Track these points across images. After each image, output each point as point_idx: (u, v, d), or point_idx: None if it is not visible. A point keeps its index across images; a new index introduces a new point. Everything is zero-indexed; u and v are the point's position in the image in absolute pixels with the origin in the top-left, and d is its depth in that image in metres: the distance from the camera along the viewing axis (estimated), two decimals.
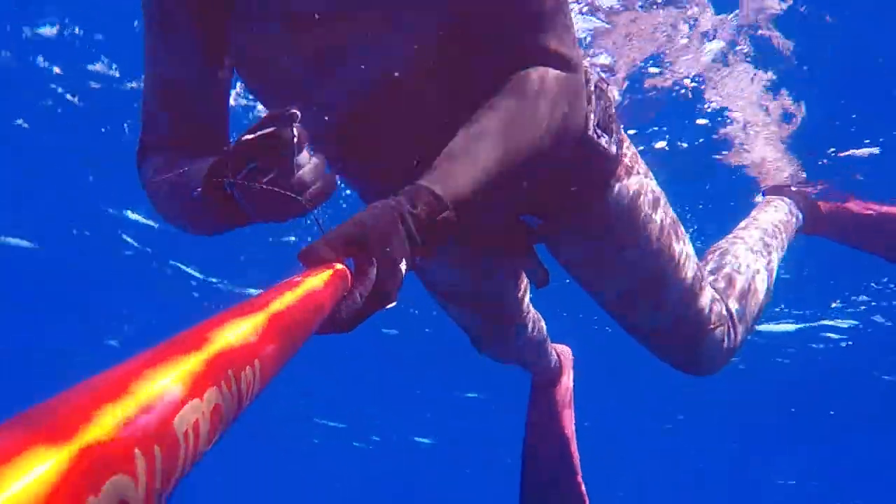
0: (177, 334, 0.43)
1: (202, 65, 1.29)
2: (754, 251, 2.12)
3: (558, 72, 1.16)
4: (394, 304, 0.90)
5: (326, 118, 1.31)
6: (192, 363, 0.40)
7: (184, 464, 0.36)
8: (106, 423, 0.30)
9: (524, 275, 2.02)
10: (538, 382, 2.53)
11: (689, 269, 1.74)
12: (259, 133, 0.92)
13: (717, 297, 1.86)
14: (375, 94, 1.25)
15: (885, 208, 3.01)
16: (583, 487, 2.39)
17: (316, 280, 0.75)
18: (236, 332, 0.48)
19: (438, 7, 1.16)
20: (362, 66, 1.22)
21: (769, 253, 2.16)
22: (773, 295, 2.08)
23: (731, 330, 1.85)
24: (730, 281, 1.96)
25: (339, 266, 0.82)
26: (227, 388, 0.43)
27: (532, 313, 2.20)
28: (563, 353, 2.60)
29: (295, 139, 0.91)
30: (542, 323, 2.33)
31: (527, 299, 2.12)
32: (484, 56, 1.18)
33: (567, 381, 2.55)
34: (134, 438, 0.31)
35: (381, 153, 1.37)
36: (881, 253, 3.06)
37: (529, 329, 2.19)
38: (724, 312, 1.84)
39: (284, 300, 0.61)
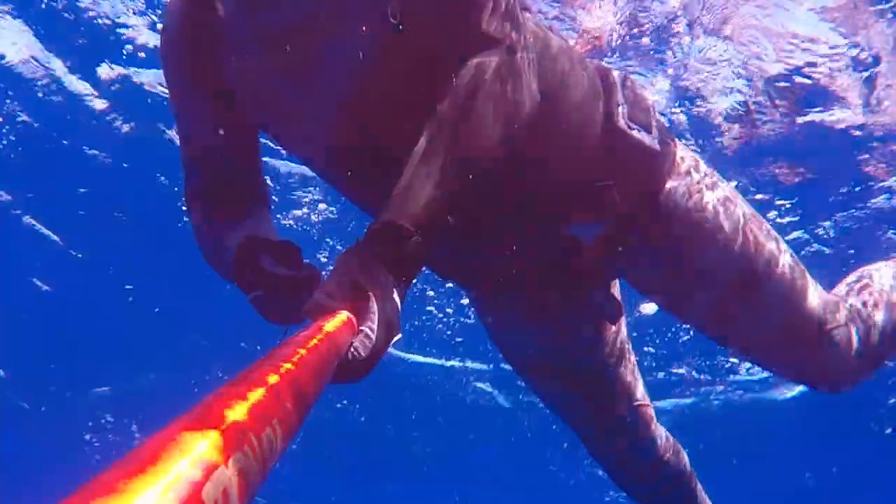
0: (193, 407, 0.44)
1: (218, 125, 1.41)
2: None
3: (492, 58, 1.14)
4: (400, 335, 0.94)
5: (320, 134, 1.35)
6: (214, 434, 0.41)
7: None
8: (137, 500, 0.31)
9: (625, 358, 1.76)
10: None
11: (785, 264, 1.58)
12: (291, 276, 1.19)
13: (835, 297, 1.70)
14: (352, 102, 1.27)
15: None
16: None
17: (327, 327, 0.76)
18: (252, 396, 0.48)
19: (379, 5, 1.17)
20: (333, 75, 1.25)
21: None
22: None
23: (859, 330, 1.65)
24: (862, 285, 1.76)
25: (343, 313, 0.84)
26: (251, 451, 0.44)
27: (655, 429, 1.83)
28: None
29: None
30: (683, 457, 1.90)
31: (639, 388, 1.80)
32: (428, 50, 1.18)
33: None
34: None
35: (371, 165, 1.38)
36: None
37: (654, 450, 1.81)
38: (847, 311, 1.66)
39: (297, 354, 0.62)
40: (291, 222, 5.80)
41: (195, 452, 0.38)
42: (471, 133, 1.09)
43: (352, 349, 0.84)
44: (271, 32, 1.24)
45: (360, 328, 0.87)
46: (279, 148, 1.62)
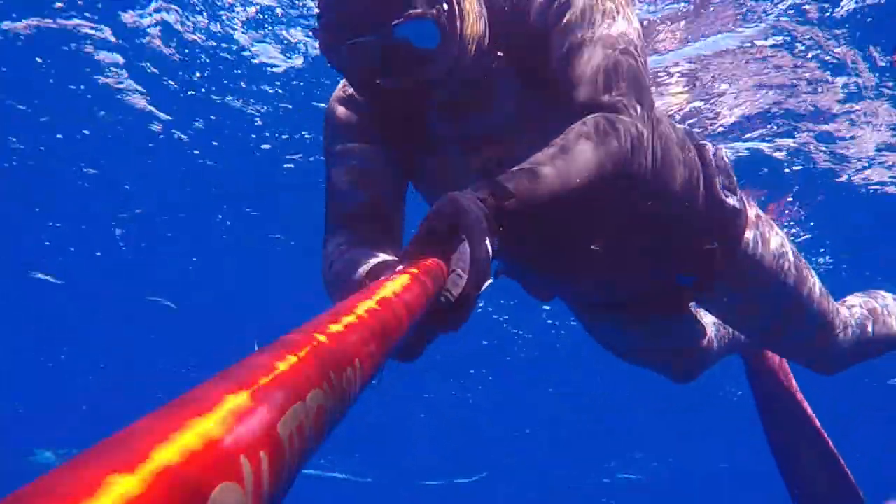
0: (276, 339, 0.44)
1: (390, 183, 1.45)
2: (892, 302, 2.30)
3: (623, 117, 1.25)
4: (491, 280, 0.94)
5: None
6: (291, 367, 0.40)
7: (290, 467, 0.37)
8: (210, 431, 0.31)
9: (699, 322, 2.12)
10: (744, 356, 2.60)
11: (818, 290, 1.96)
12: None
13: (842, 309, 2.08)
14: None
15: None
16: (829, 442, 2.53)
17: (412, 273, 0.75)
18: (335, 333, 0.48)
19: (553, 110, 1.34)
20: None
21: None
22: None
23: (857, 337, 2.08)
24: (870, 308, 2.18)
25: (431, 260, 0.83)
26: (330, 389, 0.44)
27: (711, 334, 2.23)
28: None
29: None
30: (721, 328, 2.34)
31: (710, 331, 2.19)
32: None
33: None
34: (239, 446, 0.32)
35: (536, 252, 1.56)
36: None
37: (715, 346, 2.25)
38: (847, 319, 2.07)
39: (381, 297, 0.62)
40: None
41: (274, 383, 0.38)
42: (598, 157, 1.17)
43: (444, 292, 0.84)
44: (475, 135, 1.41)
45: (453, 269, 0.87)
46: None
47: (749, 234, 1.78)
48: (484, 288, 0.94)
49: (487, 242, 0.96)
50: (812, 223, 5.52)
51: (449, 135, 1.45)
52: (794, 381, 2.61)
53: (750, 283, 1.83)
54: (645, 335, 2.03)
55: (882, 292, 2.32)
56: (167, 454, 0.28)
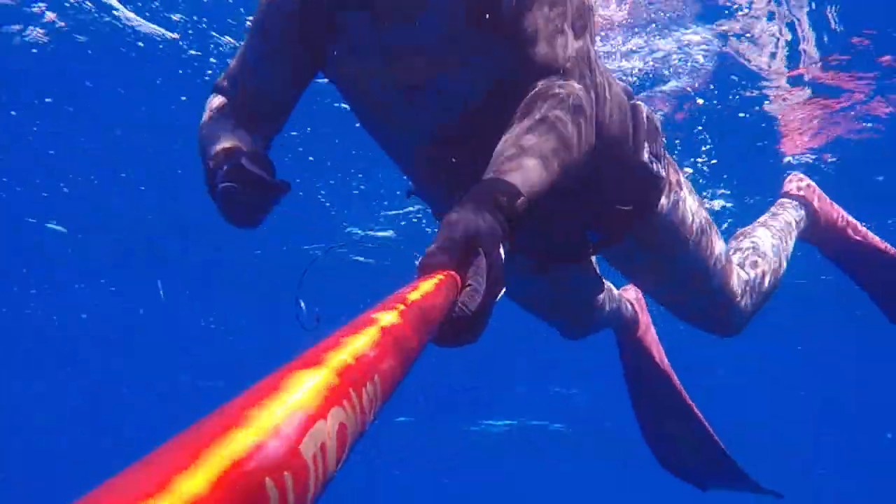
0: (294, 358, 0.43)
1: (288, 79, 1.54)
2: (773, 237, 2.38)
3: (574, 87, 1.30)
4: (504, 289, 0.94)
5: (412, 140, 1.52)
6: (313, 385, 0.40)
7: (315, 487, 0.36)
8: (235, 453, 0.31)
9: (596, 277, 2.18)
10: (620, 332, 2.65)
11: (724, 257, 2.01)
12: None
13: (741, 273, 2.13)
14: (451, 121, 1.45)
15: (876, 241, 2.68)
16: (695, 409, 2.57)
17: (428, 285, 0.74)
18: (353, 349, 0.48)
19: (493, 48, 1.37)
20: (441, 97, 1.42)
21: (785, 242, 2.41)
22: (781, 281, 2.35)
23: (750, 298, 2.14)
24: (752, 262, 2.24)
25: (447, 272, 0.82)
26: (350, 407, 0.43)
27: (604, 294, 2.31)
28: (630, 295, 2.68)
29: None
30: (614, 290, 2.45)
31: (601, 296, 2.26)
32: (521, 85, 1.34)
33: (644, 317, 2.66)
34: (263, 468, 0.32)
35: (459, 174, 1.54)
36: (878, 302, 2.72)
37: (607, 308, 2.34)
38: (745, 285, 2.12)
39: (399, 310, 0.61)
40: None
41: (294, 402, 0.37)
42: (570, 137, 1.22)
43: (459, 304, 0.84)
44: (394, 46, 1.40)
45: (469, 282, 0.86)
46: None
47: (665, 200, 1.78)
48: (499, 297, 0.93)
49: (501, 250, 0.95)
50: None
51: (368, 38, 1.42)
52: (665, 360, 2.65)
53: (657, 246, 1.85)
54: (547, 286, 2.03)
55: (756, 235, 2.36)
56: (194, 483, 0.27)
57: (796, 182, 2.65)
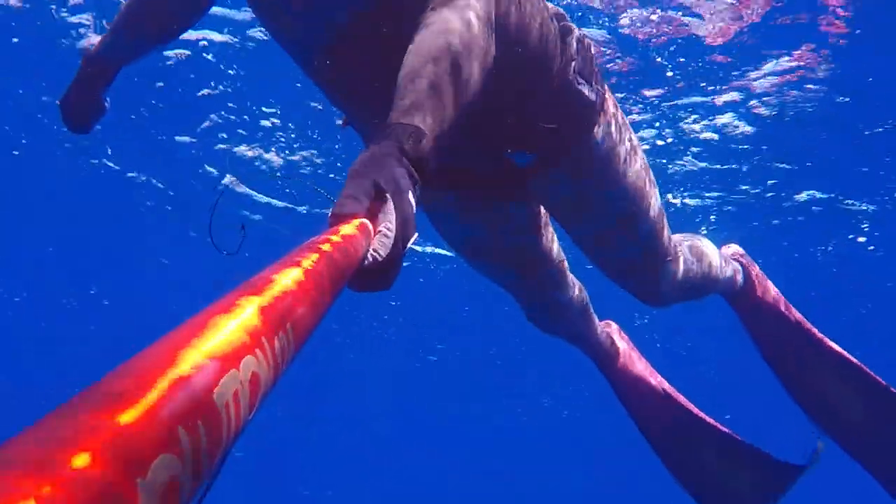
0: (212, 302, 0.43)
1: None
2: (716, 255, 2.39)
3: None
4: (416, 235, 0.94)
5: (308, 40, 1.50)
6: (223, 335, 0.40)
7: (228, 435, 0.37)
8: (148, 404, 0.31)
9: (546, 226, 2.12)
10: (602, 363, 2.59)
11: (657, 207, 1.98)
12: None
13: (675, 239, 2.11)
14: (332, 36, 1.44)
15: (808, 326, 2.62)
16: (720, 426, 2.49)
17: (340, 233, 0.74)
18: (269, 296, 0.48)
19: None
20: (318, 11, 1.42)
21: (723, 260, 2.42)
22: (707, 290, 2.36)
23: (682, 267, 2.12)
24: (690, 246, 2.25)
25: (360, 219, 0.82)
26: (263, 355, 0.43)
27: (569, 275, 2.28)
28: (607, 324, 2.66)
29: None
30: (585, 292, 2.41)
31: (555, 248, 2.19)
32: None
33: (625, 345, 2.63)
34: (175, 417, 0.32)
35: (356, 86, 1.55)
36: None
37: (570, 291, 2.28)
38: (676, 251, 2.10)
39: (313, 258, 0.61)
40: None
41: (208, 350, 0.37)
42: (464, 64, 1.15)
43: (371, 251, 0.84)
44: None
45: (378, 229, 0.86)
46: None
47: (599, 129, 1.75)
48: (411, 243, 0.94)
49: (411, 196, 0.95)
50: None
51: None
52: (666, 384, 2.58)
53: (587, 176, 1.81)
54: (484, 224, 1.98)
55: (700, 236, 2.37)
56: (135, 416, 0.27)
57: (735, 248, 2.67)
